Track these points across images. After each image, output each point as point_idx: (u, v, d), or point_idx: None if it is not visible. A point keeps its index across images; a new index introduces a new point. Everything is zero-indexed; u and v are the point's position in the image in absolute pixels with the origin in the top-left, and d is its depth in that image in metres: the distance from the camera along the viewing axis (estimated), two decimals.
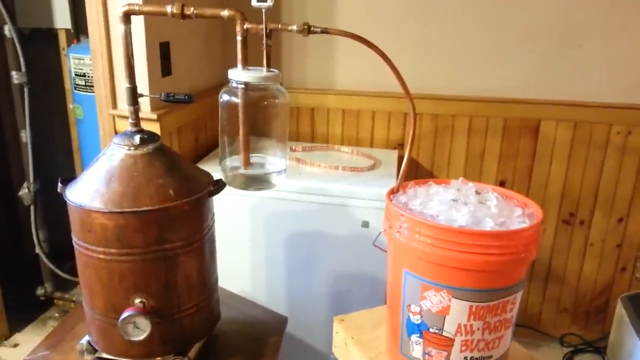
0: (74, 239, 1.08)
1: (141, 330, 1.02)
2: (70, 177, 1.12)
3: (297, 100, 2.16)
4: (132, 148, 1.06)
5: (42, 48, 2.21)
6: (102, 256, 1.03)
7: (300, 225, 1.70)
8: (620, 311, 2.05)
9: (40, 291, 2.32)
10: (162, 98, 1.07)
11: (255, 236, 1.74)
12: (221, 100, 1.05)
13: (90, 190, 1.03)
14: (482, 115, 2.07)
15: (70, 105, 2.16)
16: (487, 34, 1.99)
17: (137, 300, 1.05)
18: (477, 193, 1.03)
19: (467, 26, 2.00)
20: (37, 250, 2.20)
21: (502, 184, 2.14)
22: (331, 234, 1.68)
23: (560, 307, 2.29)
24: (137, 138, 1.06)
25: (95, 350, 1.17)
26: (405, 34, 2.05)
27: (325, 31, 0.99)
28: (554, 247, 2.20)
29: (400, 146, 2.16)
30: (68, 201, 1.04)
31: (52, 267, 2.23)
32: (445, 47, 2.04)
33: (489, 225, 0.91)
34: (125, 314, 1.01)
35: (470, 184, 1.07)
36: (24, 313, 2.29)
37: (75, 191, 1.05)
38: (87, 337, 1.17)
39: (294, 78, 2.16)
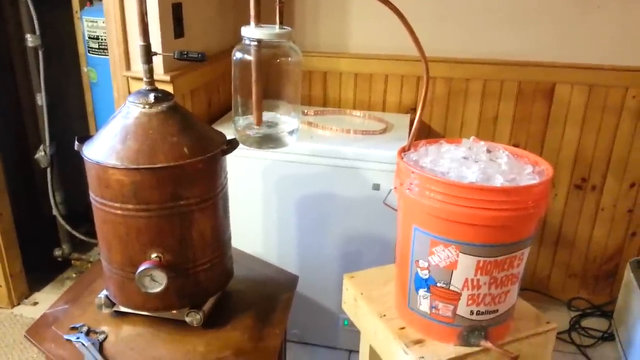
0: (92, 196, 1.10)
1: (157, 283, 1.05)
2: (86, 135, 1.14)
3: (310, 64, 2.15)
4: (146, 106, 1.07)
5: (56, 12, 2.21)
6: (119, 212, 1.06)
7: (312, 188, 1.72)
8: (628, 275, 2.06)
9: (57, 252, 2.38)
10: (175, 56, 1.08)
11: (268, 198, 1.77)
12: (234, 57, 1.05)
13: (106, 148, 1.05)
14: (496, 79, 2.05)
15: (84, 69, 2.18)
16: None
17: (154, 255, 1.08)
18: (489, 151, 1.03)
19: None
20: (54, 212, 2.25)
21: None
22: (342, 196, 1.70)
23: (569, 272, 2.30)
24: (151, 96, 1.08)
25: (113, 304, 1.21)
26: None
27: None
28: (565, 211, 2.20)
29: (412, 110, 2.15)
30: (85, 158, 1.06)
31: (69, 228, 2.29)
32: (460, 10, 2.00)
33: (498, 181, 0.92)
34: (142, 267, 1.04)
35: (482, 142, 1.08)
36: (42, 273, 2.36)
37: (92, 149, 1.07)
38: (104, 292, 1.21)
39: (306, 41, 2.15)
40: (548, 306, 2.33)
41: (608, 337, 2.15)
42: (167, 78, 1.56)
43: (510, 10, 1.96)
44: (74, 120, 2.37)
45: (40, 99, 2.07)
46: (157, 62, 1.57)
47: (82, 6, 2.10)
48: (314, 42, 2.14)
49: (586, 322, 2.25)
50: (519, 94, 2.05)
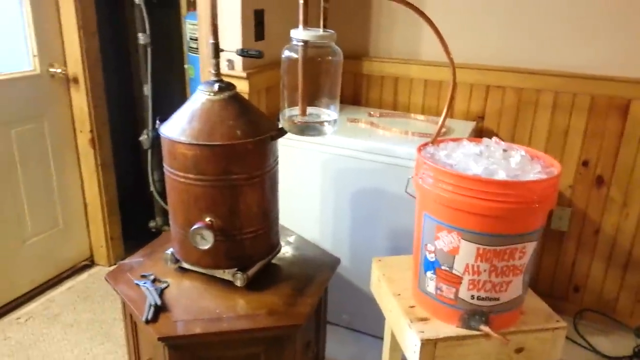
0: (165, 166, 1.33)
1: (206, 241, 1.25)
2: (167, 117, 1.37)
3: (383, 70, 2.28)
4: (211, 94, 1.28)
5: (168, 14, 2.56)
6: (182, 180, 1.28)
7: (367, 183, 1.85)
8: None
9: (152, 224, 2.72)
10: (237, 53, 1.27)
11: (326, 190, 1.92)
12: (283, 56, 1.22)
13: (177, 127, 1.27)
14: (568, 92, 2.03)
15: (185, 66, 2.49)
16: (577, 7, 1.94)
17: (207, 219, 1.29)
18: (505, 151, 1.10)
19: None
20: (152, 188, 2.59)
21: (585, 164, 2.10)
22: (394, 192, 1.80)
23: (639, 297, 2.19)
24: (216, 86, 1.28)
25: (177, 261, 1.44)
26: (493, 6, 2.06)
27: None
28: (636, 233, 2.10)
29: (480, 118, 2.20)
30: (161, 134, 1.30)
31: (162, 204, 2.61)
32: (533, 20, 2.02)
33: (501, 176, 0.99)
34: (195, 226, 1.25)
35: (503, 143, 1.14)
36: (138, 241, 2.70)
37: (167, 127, 1.30)
38: (171, 249, 1.44)
39: (380, 48, 2.28)
40: (613, 330, 2.23)
41: None
42: (244, 75, 1.77)
43: (583, 21, 1.94)
44: (175, 110, 2.69)
45: (147, 90, 2.41)
46: (237, 61, 1.80)
47: (188, 10, 2.41)
48: (388, 48, 2.27)
49: None
50: (592, 108, 2.01)
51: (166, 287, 1.39)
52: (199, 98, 1.29)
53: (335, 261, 1.59)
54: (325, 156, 1.87)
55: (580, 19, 1.95)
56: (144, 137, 2.49)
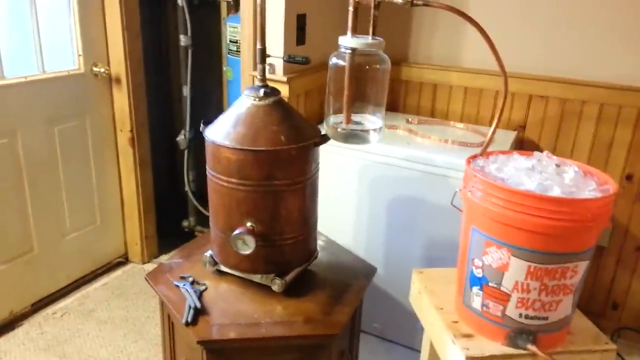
0: (208, 169, 1.34)
1: (247, 246, 1.25)
2: (211, 120, 1.38)
3: (421, 76, 2.25)
4: (256, 99, 1.28)
5: (207, 17, 2.58)
6: (225, 184, 1.28)
7: (404, 191, 1.83)
8: None
9: (185, 223, 2.75)
10: (284, 59, 1.27)
11: (362, 196, 1.91)
12: (330, 63, 1.22)
13: (221, 131, 1.28)
14: (614, 104, 1.97)
15: (224, 68, 2.51)
16: (625, 16, 1.88)
17: (248, 224, 1.29)
18: (557, 166, 1.07)
19: (604, 7, 1.91)
20: (187, 188, 2.62)
21: (629, 178, 2.03)
22: (432, 201, 1.78)
23: None
24: (261, 91, 1.28)
25: (216, 264, 1.44)
26: (537, 14, 2.02)
27: (427, 4, 1.10)
28: None
29: (521, 128, 2.15)
30: (205, 137, 1.30)
31: (196, 204, 2.64)
32: (578, 29, 1.97)
33: (555, 192, 0.96)
34: (237, 231, 1.25)
35: (555, 157, 1.11)
36: (171, 239, 2.74)
37: (211, 130, 1.31)
38: (210, 252, 1.44)
39: (420, 54, 2.25)
40: None
41: None
42: (284, 79, 1.77)
43: (631, 30, 1.88)
44: (212, 112, 2.72)
45: (186, 91, 2.43)
46: (278, 65, 1.80)
47: (228, 13, 2.43)
48: (427, 54, 2.24)
49: None
50: (638, 121, 1.95)
51: (204, 290, 1.39)
52: (244, 103, 1.29)
53: (372, 269, 1.57)
54: (363, 162, 1.86)
55: (628, 29, 1.90)
56: (181, 138, 2.51)
